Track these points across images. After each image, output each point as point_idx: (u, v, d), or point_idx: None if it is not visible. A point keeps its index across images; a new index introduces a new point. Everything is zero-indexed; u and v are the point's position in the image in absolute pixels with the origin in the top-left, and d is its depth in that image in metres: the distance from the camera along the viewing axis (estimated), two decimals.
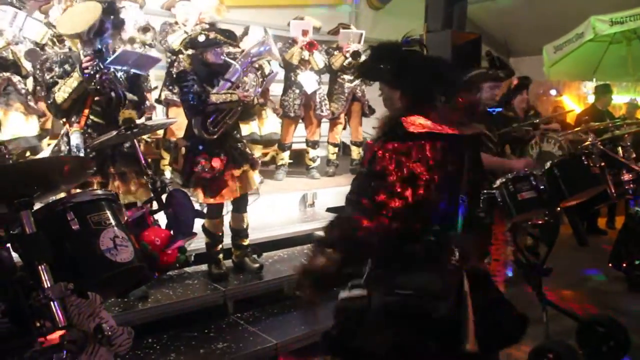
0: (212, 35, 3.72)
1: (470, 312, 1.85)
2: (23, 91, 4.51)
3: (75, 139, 3.29)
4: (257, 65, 4.35)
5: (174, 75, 3.96)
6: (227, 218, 4.00)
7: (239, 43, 4.74)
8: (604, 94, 6.79)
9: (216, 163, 3.68)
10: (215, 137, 3.70)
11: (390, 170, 1.81)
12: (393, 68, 1.98)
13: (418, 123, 1.86)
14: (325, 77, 6.32)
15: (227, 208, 3.97)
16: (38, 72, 3.75)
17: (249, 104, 3.84)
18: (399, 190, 1.78)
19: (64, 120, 3.42)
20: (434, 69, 1.98)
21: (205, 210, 3.88)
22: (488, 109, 3.53)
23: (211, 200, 3.76)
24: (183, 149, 3.74)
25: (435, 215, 1.88)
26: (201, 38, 3.71)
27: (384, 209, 1.77)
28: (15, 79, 4.48)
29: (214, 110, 3.67)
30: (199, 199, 3.77)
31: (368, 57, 2.08)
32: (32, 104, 4.58)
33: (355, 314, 1.96)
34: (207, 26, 5.12)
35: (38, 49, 4.52)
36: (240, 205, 3.97)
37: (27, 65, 4.56)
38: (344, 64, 6.12)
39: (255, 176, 3.98)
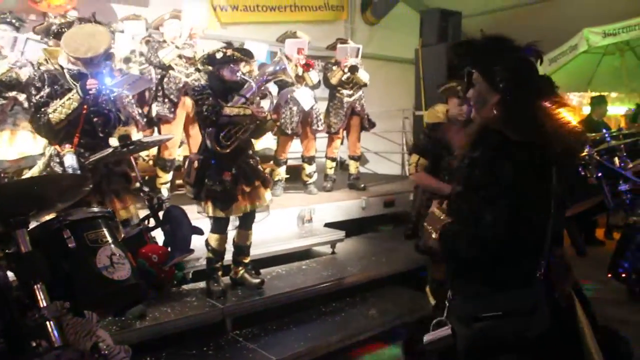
0: (229, 52, 3.76)
1: (590, 331, 1.75)
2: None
3: (70, 159, 3.27)
4: None
5: (193, 90, 3.97)
6: (230, 235, 3.99)
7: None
8: (599, 105, 6.81)
9: (226, 177, 3.69)
10: (227, 150, 3.71)
11: (487, 181, 1.68)
12: (508, 73, 1.74)
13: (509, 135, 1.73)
14: (319, 93, 6.31)
15: (233, 224, 3.96)
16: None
17: (262, 120, 3.86)
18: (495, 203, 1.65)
19: (52, 141, 3.38)
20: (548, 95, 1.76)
21: (211, 225, 3.87)
22: None
23: (220, 214, 3.75)
24: (195, 163, 3.76)
25: (529, 231, 1.72)
26: (218, 55, 3.76)
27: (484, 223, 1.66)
28: (22, 97, 4.47)
29: (227, 123, 3.69)
30: (208, 213, 3.77)
31: (478, 42, 1.87)
32: None
33: (444, 357, 1.82)
34: (195, 41, 5.19)
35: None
36: (247, 221, 3.97)
37: None
38: (342, 78, 6.13)
39: (266, 194, 3.98)
